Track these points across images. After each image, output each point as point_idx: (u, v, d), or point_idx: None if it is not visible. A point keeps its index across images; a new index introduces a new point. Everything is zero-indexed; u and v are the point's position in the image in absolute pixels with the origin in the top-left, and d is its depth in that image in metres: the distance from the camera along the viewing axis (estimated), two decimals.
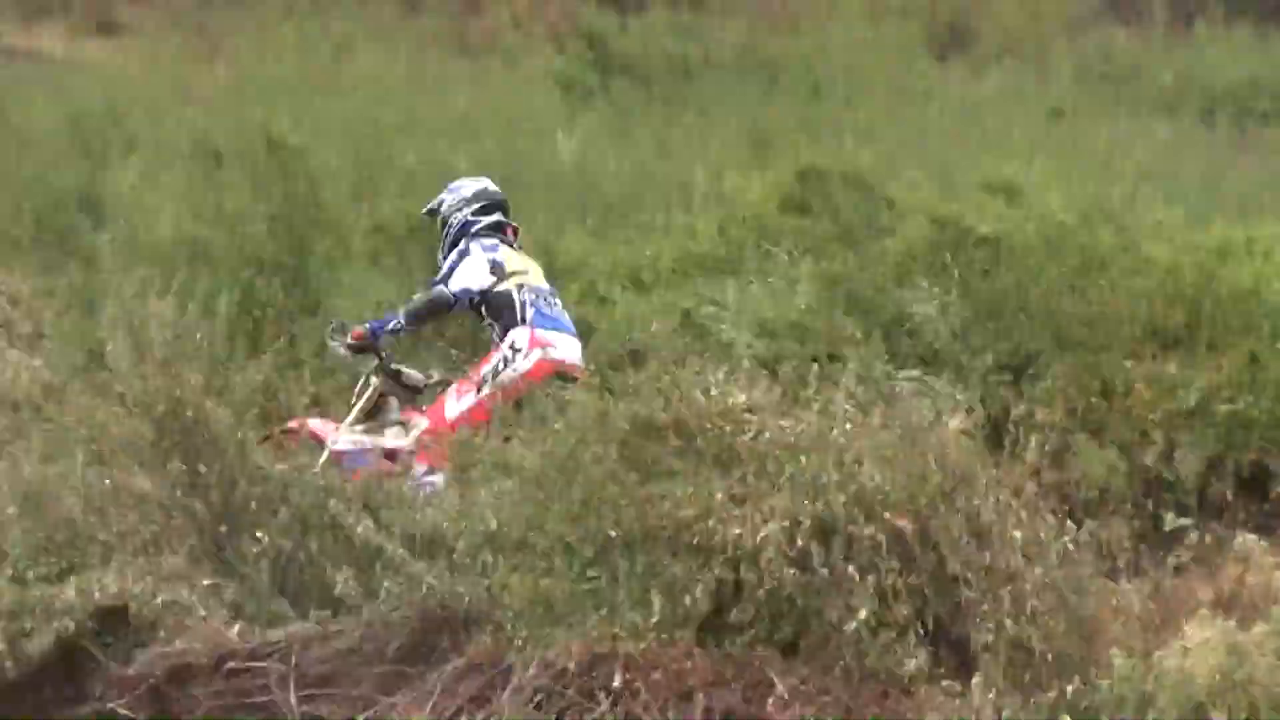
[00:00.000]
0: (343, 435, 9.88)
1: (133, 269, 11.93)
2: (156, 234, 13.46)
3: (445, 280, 10.06)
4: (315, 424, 10.09)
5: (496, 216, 10.33)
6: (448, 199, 10.42)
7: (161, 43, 22.79)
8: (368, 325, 10.14)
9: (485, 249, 10.09)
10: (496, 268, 10.02)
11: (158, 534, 8.14)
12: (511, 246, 10.25)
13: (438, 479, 9.05)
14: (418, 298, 10.24)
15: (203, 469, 8.13)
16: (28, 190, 14.80)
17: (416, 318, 10.07)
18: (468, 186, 10.47)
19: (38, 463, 8.46)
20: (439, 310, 10.11)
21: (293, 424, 10.07)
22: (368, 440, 9.82)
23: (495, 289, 9.98)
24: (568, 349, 9.92)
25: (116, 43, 23.93)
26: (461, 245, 10.18)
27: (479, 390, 9.71)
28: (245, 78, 19.55)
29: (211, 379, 8.48)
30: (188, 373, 8.27)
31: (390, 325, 10.03)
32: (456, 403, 9.77)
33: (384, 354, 10.13)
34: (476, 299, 10.00)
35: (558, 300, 10.22)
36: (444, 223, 10.37)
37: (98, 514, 8.20)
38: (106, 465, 8.34)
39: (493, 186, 10.51)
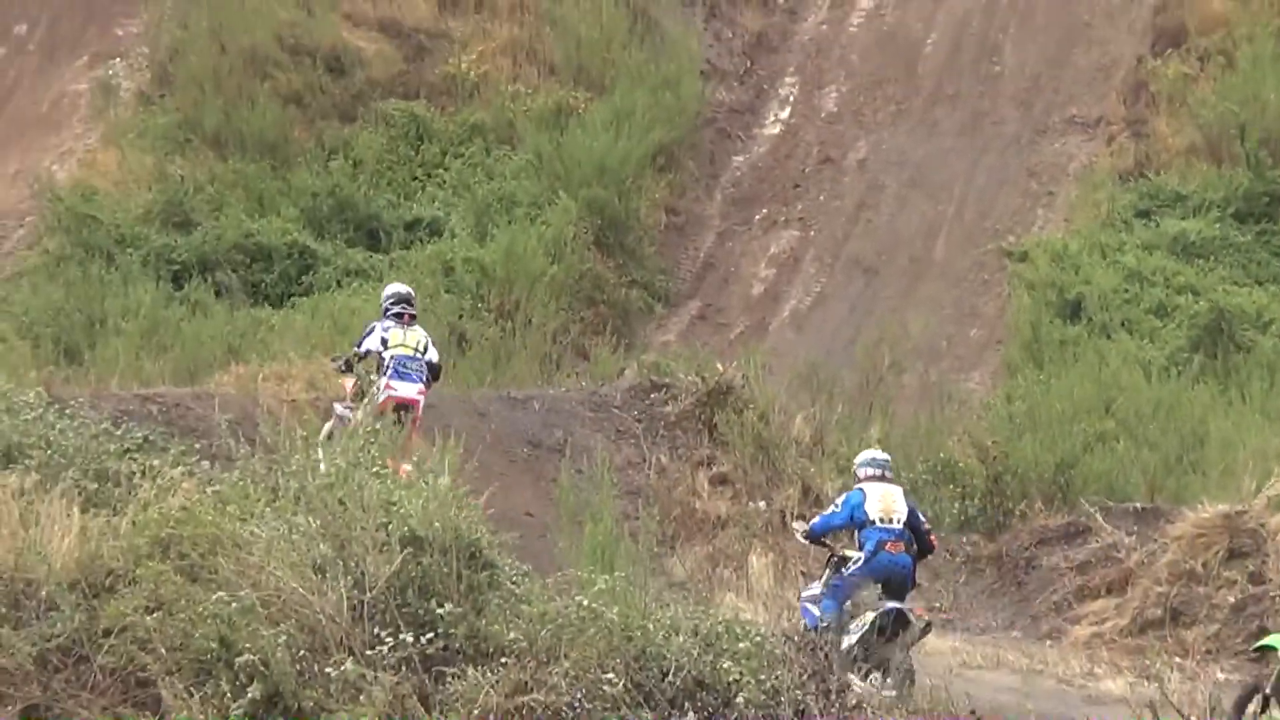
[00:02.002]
0: (337, 408, 18.32)
1: None
2: None
3: (359, 343, 18.24)
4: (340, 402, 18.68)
5: (401, 307, 18.29)
6: (383, 294, 18.73)
7: None
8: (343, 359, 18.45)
9: (382, 328, 18.14)
10: (384, 340, 17.95)
11: None
12: (404, 327, 18.13)
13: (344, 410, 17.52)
14: (350, 350, 18.44)
15: None
16: None
17: (348, 360, 18.18)
18: (391, 288, 18.70)
19: None
20: (354, 359, 18.06)
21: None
22: (349, 411, 17.98)
23: (382, 352, 17.92)
24: (405, 390, 17.78)
25: None
26: (374, 323, 18.30)
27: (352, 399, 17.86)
28: None
29: None
30: None
31: (340, 362, 18.30)
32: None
33: (359, 372, 18.19)
34: (373, 354, 17.91)
35: (416, 360, 17.92)
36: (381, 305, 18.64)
37: None
38: None
39: (404, 288, 18.65)
